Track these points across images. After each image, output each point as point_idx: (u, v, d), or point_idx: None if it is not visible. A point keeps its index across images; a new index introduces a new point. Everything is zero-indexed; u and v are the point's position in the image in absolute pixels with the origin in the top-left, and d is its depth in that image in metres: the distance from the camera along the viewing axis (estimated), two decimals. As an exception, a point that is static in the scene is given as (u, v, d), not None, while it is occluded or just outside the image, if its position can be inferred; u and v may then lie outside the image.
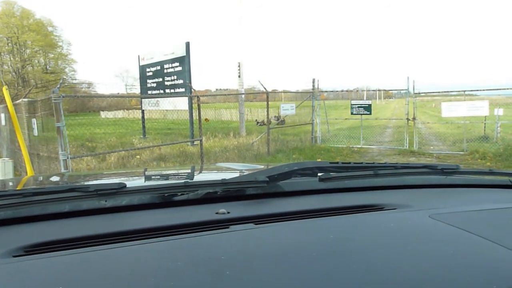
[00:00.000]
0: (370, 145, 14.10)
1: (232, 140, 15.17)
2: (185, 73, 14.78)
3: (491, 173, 1.60)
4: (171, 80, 15.66)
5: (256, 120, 16.47)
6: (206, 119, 13.57)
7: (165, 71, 15.91)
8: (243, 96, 18.11)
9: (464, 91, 12.78)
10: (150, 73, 16.91)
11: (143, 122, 17.53)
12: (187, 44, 14.78)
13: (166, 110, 17.42)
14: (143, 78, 17.47)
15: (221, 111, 32.75)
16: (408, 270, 0.80)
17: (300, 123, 15.76)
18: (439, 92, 14.35)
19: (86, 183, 1.71)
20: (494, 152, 11.31)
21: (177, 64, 15.29)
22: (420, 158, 11.56)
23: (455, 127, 16.01)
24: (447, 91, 14.32)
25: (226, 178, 1.30)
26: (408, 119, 13.24)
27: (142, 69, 17.42)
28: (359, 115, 14.08)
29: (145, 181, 1.84)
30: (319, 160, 11.10)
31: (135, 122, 21.37)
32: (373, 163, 1.50)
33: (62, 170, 6.92)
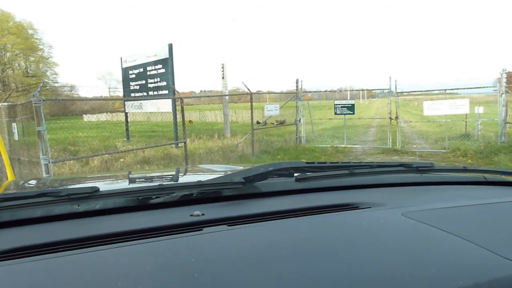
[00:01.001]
0: (354, 144, 14.21)
1: (216, 142, 15.13)
2: (168, 75, 14.70)
3: (465, 170, 1.63)
4: (154, 82, 15.56)
5: (258, 121, 16.44)
6: (190, 121, 13.52)
7: (148, 73, 15.80)
8: (227, 97, 18.08)
9: (445, 90, 12.98)
10: (133, 76, 16.77)
11: (127, 125, 17.39)
12: (170, 46, 14.71)
13: (150, 112, 17.32)
14: (126, 80, 17.32)
15: (206, 112, 32.66)
16: (378, 267, 0.81)
17: (285, 123, 15.81)
18: (421, 91, 14.54)
19: (62, 187, 1.69)
20: (475, 150, 11.49)
21: (160, 66, 15.20)
22: (403, 157, 11.68)
23: (437, 125, 16.24)
24: (429, 90, 14.50)
25: (202, 180, 1.30)
26: (391, 118, 13.39)
27: (125, 71, 17.27)
28: (343, 115, 14.19)
29: (121, 184, 1.83)
30: (304, 160, 11.13)
31: (119, 125, 21.17)
32: (349, 162, 1.51)
33: (44, 175, 6.82)
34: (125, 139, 17.13)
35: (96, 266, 0.81)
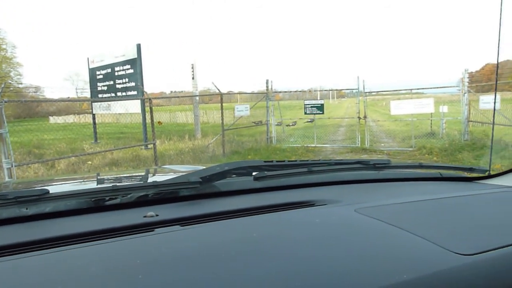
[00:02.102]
0: (324, 144, 14.37)
1: (187, 143, 15.01)
2: (137, 76, 14.46)
3: (420, 166, 1.67)
4: (123, 83, 15.27)
5: (253, 121, 16.36)
6: (159, 122, 13.35)
7: (116, 73, 15.49)
8: (197, 98, 17.97)
9: (411, 89, 13.31)
10: (101, 76, 16.42)
11: (94, 126, 17.02)
12: (138, 46, 14.48)
13: (119, 113, 17.02)
14: (93, 81, 16.94)
15: (176, 113, 32.35)
16: (326, 263, 0.81)
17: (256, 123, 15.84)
18: (388, 91, 14.84)
19: (12, 190, 1.63)
20: (440, 147, 11.82)
21: (128, 66, 14.93)
22: (372, 155, 11.90)
23: (404, 124, 16.61)
24: (396, 90, 14.83)
25: (160, 180, 1.28)
26: (359, 118, 13.61)
27: (92, 72, 16.89)
28: (313, 115, 14.33)
29: (79, 186, 1.78)
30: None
31: (87, 126, 20.71)
32: (307, 160, 1.52)
33: (6, 179, 6.61)
34: (93, 141, 16.76)
35: (37, 270, 0.79)
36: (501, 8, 1.63)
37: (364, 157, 11.69)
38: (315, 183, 1.47)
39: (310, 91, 20.64)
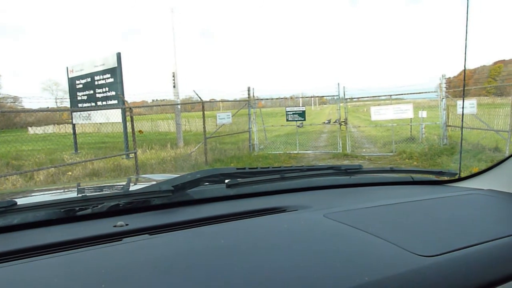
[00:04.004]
0: (306, 150, 14.45)
1: (169, 152, 14.91)
2: (117, 85, 14.35)
3: (392, 171, 1.69)
4: (103, 92, 15.13)
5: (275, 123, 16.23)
6: (140, 131, 13.25)
7: (96, 83, 15.34)
8: (179, 106, 17.90)
9: (391, 95, 13.50)
10: (80, 85, 16.24)
11: (75, 136, 16.80)
12: (119, 55, 14.38)
13: (100, 123, 16.80)
14: (72, 90, 16.74)
15: (158, 122, 32.14)
16: (291, 269, 0.82)
17: (238, 131, 15.84)
18: (368, 97, 15.02)
19: None
20: (420, 152, 12.00)
21: (108, 75, 14.81)
22: (353, 161, 12.01)
23: (384, 129, 16.82)
24: (376, 96, 15.03)
25: (131, 189, 1.28)
26: (340, 124, 13.74)
27: (72, 81, 16.70)
28: (295, 121, 14.42)
29: (49, 197, 1.76)
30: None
31: (67, 137, 20.38)
32: (280, 167, 1.53)
33: (-18, 191, 6.47)
34: (73, 152, 16.53)
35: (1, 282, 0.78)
36: (467, 18, 1.68)
37: (346, 162, 11.79)
38: (288, 190, 1.48)
39: (292, 98, 20.76)
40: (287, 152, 13.98)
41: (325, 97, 18.71)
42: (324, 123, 15.54)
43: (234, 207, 1.29)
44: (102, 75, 15.04)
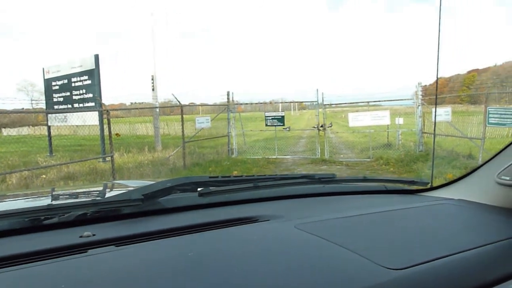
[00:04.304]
0: (285, 155, 14.49)
1: (147, 155, 14.75)
2: (95, 87, 14.14)
3: (365, 180, 1.71)
4: (80, 94, 14.88)
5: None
6: (117, 134, 13.07)
7: (73, 84, 15.08)
8: (157, 110, 17.75)
9: (369, 102, 13.70)
10: (57, 87, 15.93)
11: (50, 138, 16.44)
12: (96, 57, 14.18)
13: (76, 125, 16.52)
14: (48, 92, 16.40)
15: (137, 125, 31.79)
16: (257, 281, 0.81)
17: (217, 135, 15.79)
18: (346, 103, 15.19)
19: None
20: (396, 158, 12.18)
21: (86, 77, 14.58)
22: (331, 166, 12.11)
23: (362, 135, 17.02)
24: (354, 102, 15.22)
25: (101, 198, 1.25)
26: (318, 129, 13.85)
27: (48, 82, 16.36)
28: (274, 127, 14.46)
29: (15, 205, 1.70)
30: (235, 172, 11.18)
31: (42, 139, 19.98)
32: (253, 175, 1.53)
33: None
34: (48, 154, 16.18)
35: None
36: (439, 30, 1.71)
37: (324, 168, 11.88)
38: (260, 198, 1.47)
39: (271, 102, 20.83)
40: (266, 157, 14.01)
41: (304, 103, 18.85)
42: (314, 127, 15.89)
43: (205, 217, 1.27)
44: (80, 77, 14.80)
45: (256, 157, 14.08)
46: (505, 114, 10.11)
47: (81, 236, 1.06)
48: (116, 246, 1.00)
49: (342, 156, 14.25)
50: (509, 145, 1.40)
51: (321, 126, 13.83)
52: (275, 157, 13.99)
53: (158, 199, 1.31)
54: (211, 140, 16.14)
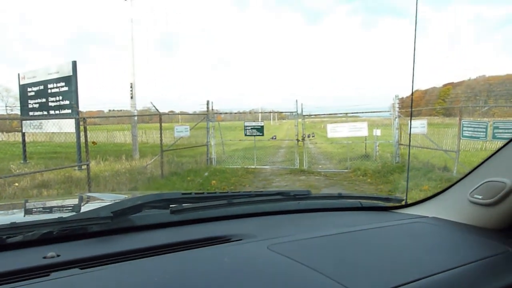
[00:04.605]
0: (263, 165, 14.50)
1: (124, 164, 14.54)
2: (72, 94, 13.90)
3: (340, 197, 1.71)
4: (56, 101, 14.59)
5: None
6: (93, 142, 12.86)
7: (49, 91, 14.78)
8: (136, 118, 17.56)
9: (347, 113, 13.86)
10: (32, 93, 15.60)
11: (24, 145, 16.05)
12: (74, 63, 13.96)
13: (53, 132, 16.18)
14: (24, 98, 16.04)
15: (114, 133, 31.35)
16: None
17: (197, 144, 15.70)
18: (325, 114, 15.33)
19: None
20: (374, 169, 12.32)
21: (62, 84, 14.32)
22: (310, 177, 12.16)
23: (340, 146, 17.19)
24: (333, 114, 15.38)
25: (67, 216, 1.20)
26: (298, 140, 13.93)
27: (23, 88, 16.01)
28: (253, 136, 14.47)
29: None
30: (214, 181, 11.12)
31: (16, 145, 19.54)
32: (227, 192, 1.51)
33: None
34: (22, 161, 15.79)
35: None
36: (414, 42, 1.74)
37: (303, 178, 11.92)
38: (235, 215, 1.45)
39: (251, 112, 20.88)
40: (245, 166, 13.99)
41: (284, 113, 18.94)
42: (308, 135, 16.10)
43: (177, 235, 1.24)
44: (56, 83, 14.53)
45: (235, 166, 14.04)
46: (478, 127, 10.35)
47: (44, 257, 1.02)
48: (80, 269, 0.96)
49: (320, 166, 14.34)
50: (481, 163, 1.42)
51: (303, 139, 13.91)
52: (254, 167, 13.98)
53: (128, 217, 1.27)
54: (190, 149, 16.03)
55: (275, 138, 15.36)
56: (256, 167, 14.00)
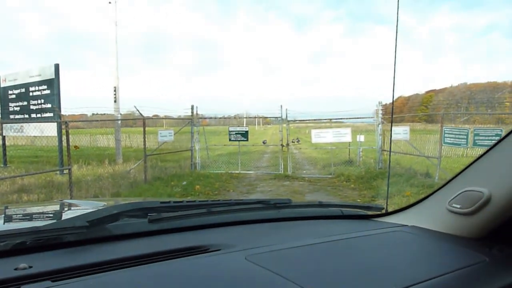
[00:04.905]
0: (248, 170, 14.49)
1: (107, 168, 14.37)
2: (54, 97, 13.69)
3: (321, 205, 1.71)
4: (38, 104, 14.37)
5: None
6: (75, 147, 12.69)
7: (31, 94, 14.55)
8: (119, 122, 17.39)
9: (331, 119, 13.96)
10: (13, 96, 15.34)
11: (4, 149, 15.75)
12: (57, 66, 13.77)
13: (34, 136, 15.90)
14: (4, 101, 15.76)
15: (98, 137, 30.95)
16: None
17: (181, 149, 15.61)
18: (309, 119, 15.40)
19: None
20: (357, 175, 12.41)
21: (44, 87, 14.11)
22: (294, 182, 12.18)
23: (324, 152, 17.28)
24: (317, 120, 15.48)
25: (42, 225, 1.17)
26: (282, 145, 13.96)
27: (4, 91, 15.74)
28: (237, 141, 14.46)
29: None
30: (198, 186, 11.06)
31: (-4, 149, 19.13)
32: (207, 200, 1.49)
33: None
34: (2, 165, 15.49)
35: None
36: (395, 57, 1.76)
37: (287, 184, 11.93)
38: (214, 224, 1.44)
39: (236, 117, 20.88)
40: (229, 171, 13.96)
41: (269, 118, 18.98)
42: (292, 141, 16.19)
43: (155, 245, 1.22)
44: (38, 86, 14.31)
45: (219, 171, 14.00)
46: (459, 134, 10.52)
47: (16, 269, 0.98)
48: (52, 281, 0.93)
49: (304, 172, 14.39)
50: (460, 172, 1.44)
51: (287, 144, 13.96)
52: (238, 172, 13.95)
53: (105, 226, 1.24)
54: (174, 154, 15.93)
55: (265, 143, 15.39)
56: (241, 172, 13.98)
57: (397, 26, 1.68)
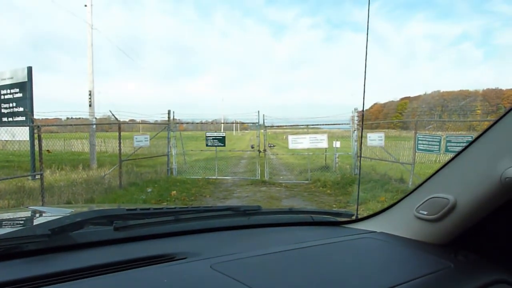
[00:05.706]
0: (225, 176, 14.44)
1: (81, 173, 14.10)
2: (27, 100, 13.38)
3: (291, 212, 1.71)
4: (10, 108, 14.01)
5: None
6: (48, 151, 12.41)
7: (3, 97, 14.19)
8: (94, 126, 17.10)
9: (308, 125, 14.07)
10: (-16, 99, 14.92)
11: (-27, 154, 15.28)
12: (30, 69, 13.47)
13: (5, 140, 15.48)
14: (-26, 104, 15.32)
15: (72, 141, 30.35)
16: None
17: (157, 154, 15.45)
18: (286, 125, 15.49)
19: None
20: (333, 181, 12.52)
21: (17, 90, 13.77)
22: (271, 188, 12.20)
23: (301, 157, 17.38)
24: (294, 125, 15.57)
25: (1, 233, 1.13)
26: (259, 151, 13.98)
27: (-26, 94, 15.29)
28: (215, 147, 14.41)
29: None
30: (174, 192, 10.95)
31: (-36, 153, 18.56)
32: (175, 207, 1.47)
33: None
34: (-29, 170, 15.01)
35: None
36: (365, 65, 1.78)
37: (263, 189, 11.94)
38: (181, 232, 1.42)
39: (213, 122, 20.82)
40: (206, 177, 13.88)
41: (246, 123, 18.99)
42: (269, 145, 16.25)
43: (121, 253, 1.19)
44: (10, 89, 13.96)
45: (196, 177, 13.91)
46: (432, 141, 10.74)
47: None
48: None
49: (281, 177, 14.44)
50: (427, 179, 1.46)
51: (264, 150, 13.98)
52: (215, 177, 13.90)
53: (69, 234, 1.21)
54: (150, 159, 15.74)
55: (253, 147, 15.40)
56: (218, 177, 13.93)
57: (367, 35, 1.70)
